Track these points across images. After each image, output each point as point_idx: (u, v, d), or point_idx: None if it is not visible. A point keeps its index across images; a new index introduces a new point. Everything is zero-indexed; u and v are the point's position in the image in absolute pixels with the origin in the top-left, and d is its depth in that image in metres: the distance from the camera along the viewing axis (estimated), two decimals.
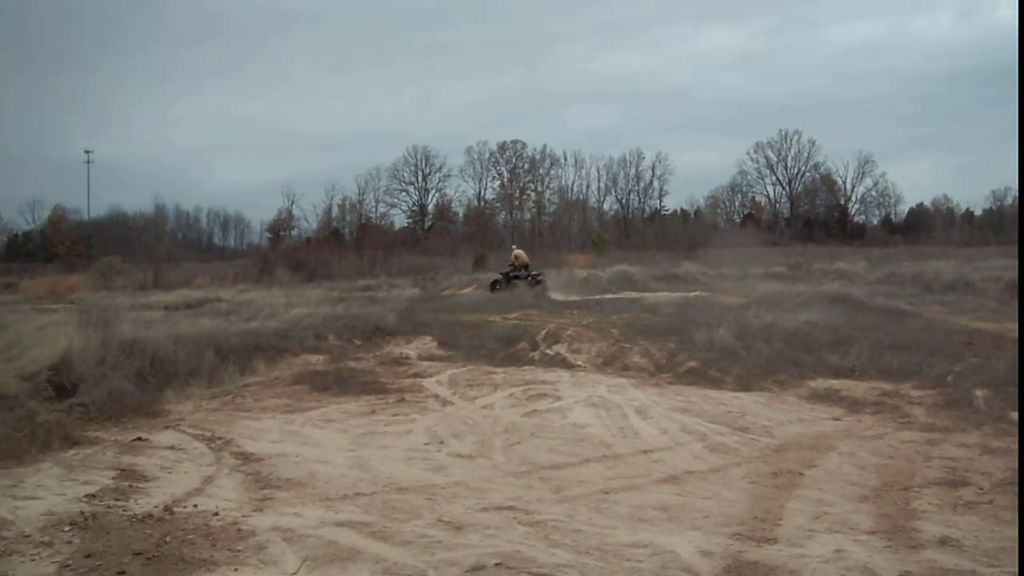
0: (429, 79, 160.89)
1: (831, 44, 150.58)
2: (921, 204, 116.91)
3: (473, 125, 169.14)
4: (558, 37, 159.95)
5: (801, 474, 10.53)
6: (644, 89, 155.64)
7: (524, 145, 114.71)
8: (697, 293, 37.47)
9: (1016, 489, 9.55)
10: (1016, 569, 7.12)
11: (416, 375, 18.00)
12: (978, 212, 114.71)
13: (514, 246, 46.81)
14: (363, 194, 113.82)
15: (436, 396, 15.86)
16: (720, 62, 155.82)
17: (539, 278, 40.87)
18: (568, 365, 19.14)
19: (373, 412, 14.53)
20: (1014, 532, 8.27)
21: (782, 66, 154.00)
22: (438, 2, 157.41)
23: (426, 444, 12.23)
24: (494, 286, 41.11)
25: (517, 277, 40.87)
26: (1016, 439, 12.10)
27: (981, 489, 9.83)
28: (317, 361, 19.31)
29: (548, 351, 20.45)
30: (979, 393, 15.16)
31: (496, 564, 7.20)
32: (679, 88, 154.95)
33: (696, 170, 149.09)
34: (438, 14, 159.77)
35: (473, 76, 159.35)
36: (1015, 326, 24.44)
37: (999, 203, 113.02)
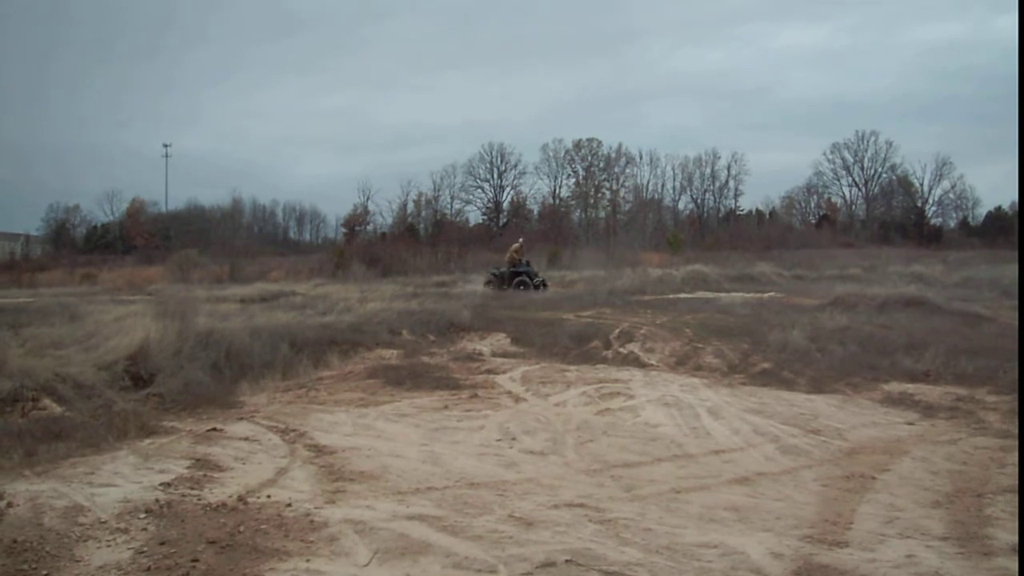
0: (507, 75, 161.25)
1: (912, 43, 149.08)
2: (999, 207, 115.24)
3: (550, 122, 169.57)
4: (637, 34, 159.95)
5: (873, 478, 10.44)
6: (721, 87, 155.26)
7: (599, 143, 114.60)
8: (771, 294, 37.26)
9: None
10: (1016, 570, 7.05)
11: (489, 371, 18.05)
12: None
13: (520, 239, 46.16)
14: (438, 190, 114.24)
15: (509, 392, 15.90)
16: (799, 61, 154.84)
17: (543, 282, 40.42)
18: (641, 364, 19.11)
19: (446, 407, 14.59)
20: None
21: (861, 65, 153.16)
22: None
23: (498, 440, 12.25)
24: (490, 282, 40.52)
25: (517, 275, 39.97)
26: None
27: None
28: (391, 356, 19.41)
29: (621, 350, 20.42)
30: None
31: (566, 561, 7.22)
32: (757, 87, 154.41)
33: (772, 170, 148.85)
34: (519, 9, 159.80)
35: (551, 72, 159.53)
36: None
37: None
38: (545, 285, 39.71)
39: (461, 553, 7.38)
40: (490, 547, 7.55)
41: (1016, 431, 13.13)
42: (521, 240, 44.01)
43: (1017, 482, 9.07)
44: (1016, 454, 11.64)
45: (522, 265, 40.27)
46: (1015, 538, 8.13)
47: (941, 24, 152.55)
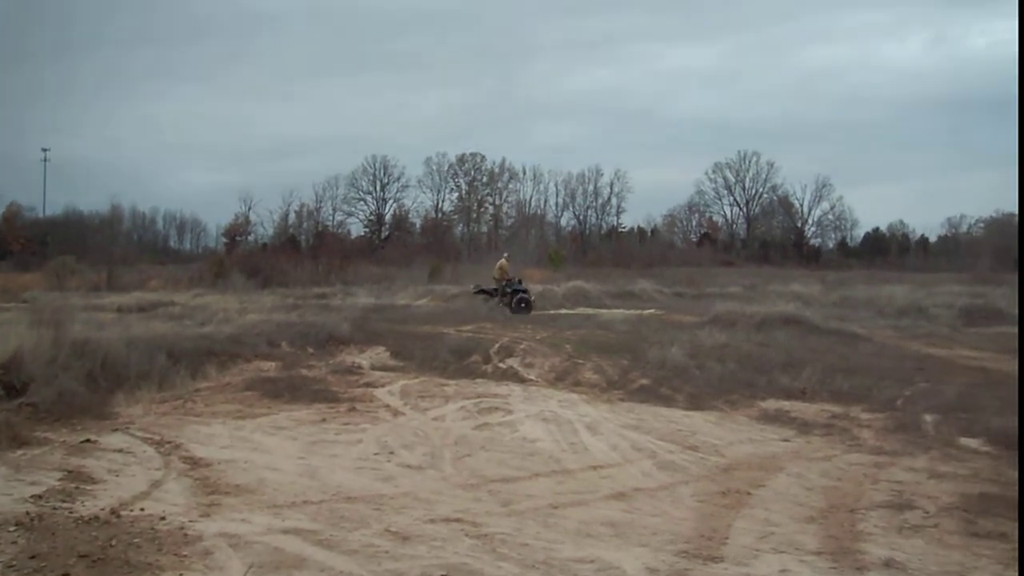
0: (394, 87, 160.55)
1: (798, 67, 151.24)
2: (877, 229, 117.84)
3: (436, 136, 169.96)
4: (526, 50, 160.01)
5: (749, 494, 10.59)
6: (608, 106, 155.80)
7: (483, 158, 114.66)
8: (652, 311, 37.53)
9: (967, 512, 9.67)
10: (1016, 570, 7.17)
11: (368, 385, 18.01)
12: (933, 239, 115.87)
13: (506, 255, 42.92)
14: (321, 202, 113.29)
15: (387, 406, 15.88)
16: (687, 82, 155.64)
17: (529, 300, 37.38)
18: (520, 379, 19.19)
19: (324, 420, 14.54)
20: (959, 556, 8.38)
21: (748, 88, 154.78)
22: (410, 11, 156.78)
23: (376, 454, 12.24)
24: (481, 292, 38.32)
25: (516, 292, 37.02)
26: (961, 463, 12.25)
27: (927, 513, 9.93)
28: (269, 368, 19.28)
29: (501, 364, 20.48)
30: (928, 418, 15.29)
31: None
32: (644, 106, 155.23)
33: (655, 188, 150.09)
34: (408, 23, 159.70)
35: (438, 87, 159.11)
36: (967, 352, 24.71)
37: (954, 230, 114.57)
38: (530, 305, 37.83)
39: (336, 568, 7.34)
40: (365, 562, 7.52)
41: (889, 448, 13.42)
42: (506, 255, 42.06)
43: (1017, 482, 9.22)
44: (890, 469, 11.89)
45: (515, 282, 38.08)
46: (887, 553, 8.30)
47: (828, 48, 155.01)
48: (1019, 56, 5.85)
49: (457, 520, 8.96)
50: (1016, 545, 7.03)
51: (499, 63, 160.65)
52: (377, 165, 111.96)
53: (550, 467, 11.77)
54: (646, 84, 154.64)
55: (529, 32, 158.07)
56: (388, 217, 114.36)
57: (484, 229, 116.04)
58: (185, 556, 7.63)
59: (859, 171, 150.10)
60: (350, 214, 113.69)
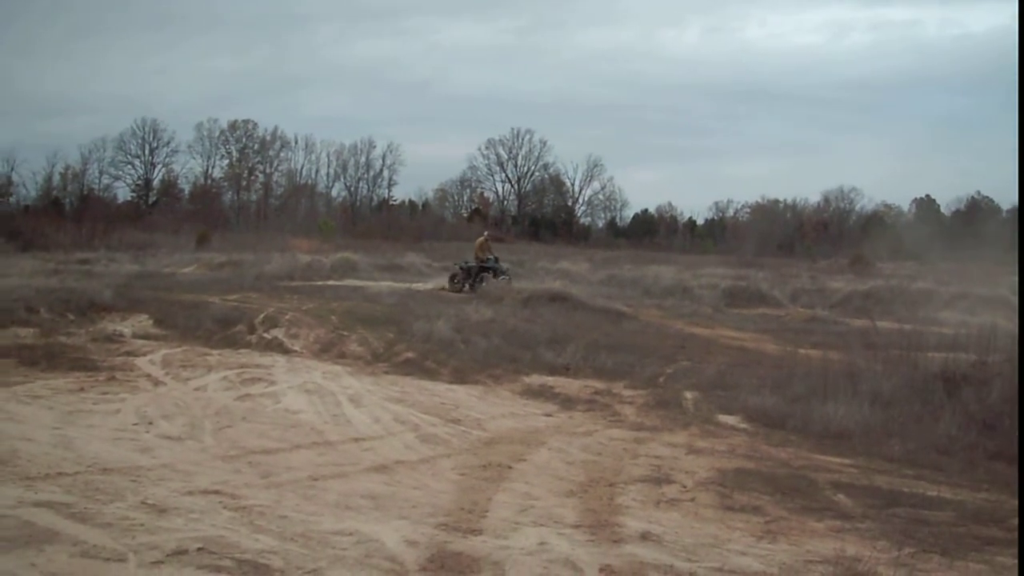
0: (166, 49, 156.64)
1: (579, 48, 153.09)
2: (646, 210, 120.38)
3: (207, 101, 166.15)
4: (303, 18, 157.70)
5: (510, 467, 10.72)
6: (385, 78, 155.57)
7: (255, 125, 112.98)
8: (420, 285, 37.63)
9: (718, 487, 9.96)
10: (1016, 570, 7.34)
11: (129, 353, 17.68)
12: (700, 221, 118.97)
13: (486, 232, 41.79)
14: (87, 164, 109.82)
15: (148, 376, 15.59)
16: (467, 57, 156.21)
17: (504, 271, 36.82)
18: (285, 350, 19.12)
19: (82, 390, 14.15)
20: (713, 529, 8.64)
21: (527, 66, 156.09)
22: None
23: (135, 424, 12.00)
24: (454, 279, 36.60)
25: (485, 270, 36.09)
26: (718, 438, 12.61)
27: (684, 487, 10.21)
28: (26, 335, 18.74)
29: (266, 335, 20.36)
30: (688, 395, 15.76)
31: (198, 549, 7.12)
32: (420, 79, 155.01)
33: (431, 163, 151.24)
34: None
35: (212, 51, 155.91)
36: (728, 332, 25.47)
37: (721, 213, 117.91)
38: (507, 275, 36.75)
39: (89, 541, 7.18)
40: (120, 535, 7.37)
41: (650, 424, 13.73)
42: (487, 233, 40.69)
43: (1017, 482, 9.42)
44: (649, 445, 12.16)
45: (490, 261, 36.70)
46: (644, 526, 8.50)
47: (609, 31, 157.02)
48: (1019, 54, 5.97)
49: (215, 492, 8.84)
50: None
51: (277, 30, 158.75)
52: (147, 128, 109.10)
53: (312, 439, 11.74)
54: (425, 58, 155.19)
55: (309, 0, 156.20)
56: (156, 182, 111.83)
57: (254, 198, 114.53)
58: None
59: (632, 153, 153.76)
60: (117, 178, 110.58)
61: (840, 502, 9.79)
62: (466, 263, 36.92)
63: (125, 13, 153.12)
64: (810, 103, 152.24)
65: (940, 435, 12.69)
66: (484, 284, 34.65)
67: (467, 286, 35.43)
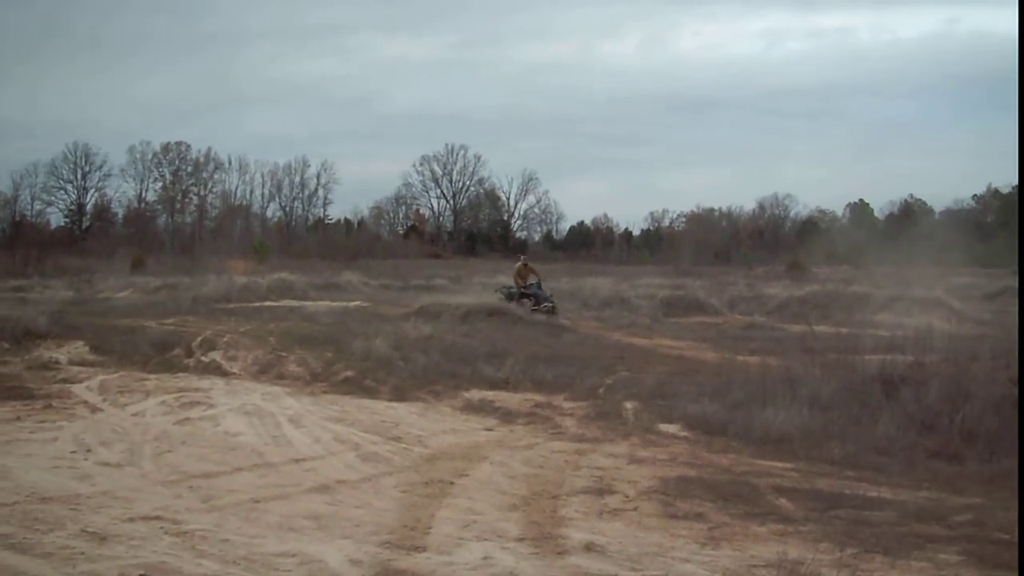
0: (100, 71, 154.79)
1: (517, 62, 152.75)
2: (582, 222, 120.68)
3: (145, 123, 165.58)
4: (240, 37, 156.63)
5: (452, 483, 10.70)
6: (323, 95, 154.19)
7: (188, 147, 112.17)
8: (357, 303, 37.51)
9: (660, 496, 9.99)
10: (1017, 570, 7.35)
11: (65, 380, 17.56)
12: (637, 232, 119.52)
13: (523, 256, 39.62)
14: (19, 190, 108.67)
15: (85, 402, 15.48)
16: (405, 73, 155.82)
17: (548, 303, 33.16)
18: (223, 373, 19.04)
19: (18, 419, 14.02)
20: (657, 537, 8.67)
21: (465, 81, 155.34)
22: None
23: (73, 452, 11.90)
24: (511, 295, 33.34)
25: (526, 297, 33.10)
26: (660, 448, 12.66)
27: (627, 497, 10.23)
28: None
29: (203, 358, 20.25)
30: (628, 405, 15.78)
31: None
32: (360, 97, 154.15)
33: (367, 180, 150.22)
34: (114, 4, 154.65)
35: (147, 72, 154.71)
36: (667, 341, 25.59)
37: (657, 224, 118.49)
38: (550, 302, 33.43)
39: (30, 572, 7.12)
40: (61, 564, 7.31)
41: (591, 435, 13.77)
42: (523, 257, 38.09)
43: (1017, 483, 9.44)
44: (592, 456, 12.18)
45: (532, 287, 33.80)
46: (588, 537, 8.51)
47: (546, 44, 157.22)
48: (1019, 55, 6.01)
49: (156, 518, 8.78)
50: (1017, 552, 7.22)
51: (209, 49, 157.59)
52: (79, 153, 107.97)
53: (252, 461, 11.69)
54: (363, 75, 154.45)
55: (245, 18, 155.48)
56: (90, 207, 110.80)
57: (189, 220, 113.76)
58: None
59: (571, 165, 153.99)
60: (50, 203, 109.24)
61: (782, 506, 9.85)
62: (508, 289, 34.33)
63: (60, 36, 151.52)
64: (746, 111, 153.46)
65: (879, 436, 12.81)
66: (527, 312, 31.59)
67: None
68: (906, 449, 12.39)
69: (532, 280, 34.06)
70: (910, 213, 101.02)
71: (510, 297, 33.06)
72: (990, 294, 43.93)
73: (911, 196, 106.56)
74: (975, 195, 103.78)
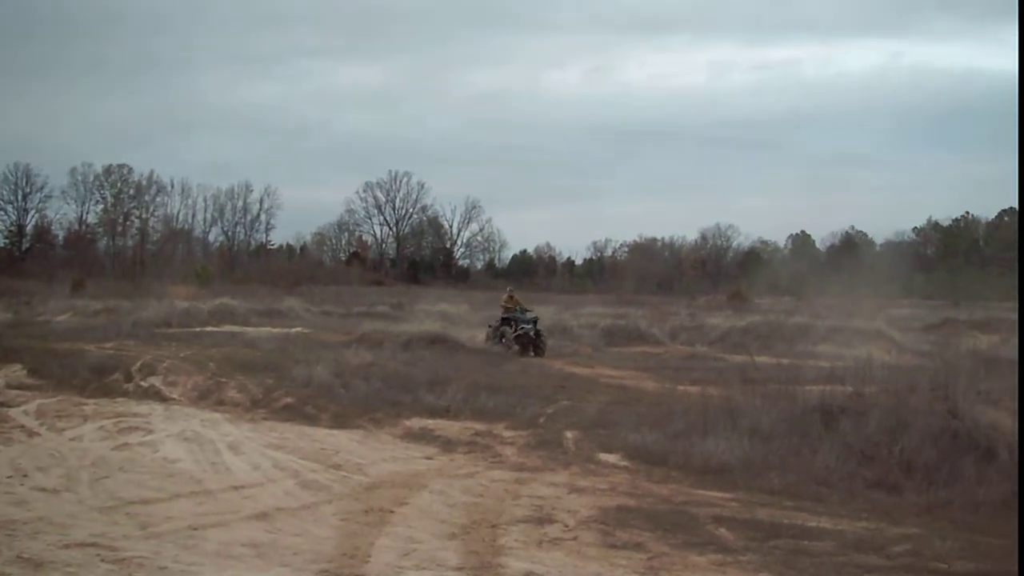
0: (43, 93, 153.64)
1: (463, 91, 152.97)
2: (524, 251, 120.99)
3: (89, 146, 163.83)
4: (188, 62, 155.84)
5: (392, 512, 10.66)
6: (272, 122, 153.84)
7: (131, 170, 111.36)
8: (299, 329, 37.51)
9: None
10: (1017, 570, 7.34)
11: (2, 404, 17.45)
12: (579, 261, 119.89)
13: (509, 288, 37.12)
14: None
15: (22, 427, 15.37)
16: (351, 100, 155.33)
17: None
18: (163, 398, 18.92)
19: None
20: (596, 567, 8.67)
21: (411, 109, 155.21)
22: (60, 13, 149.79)
23: (9, 477, 11.78)
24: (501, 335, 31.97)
25: (509, 323, 31.96)
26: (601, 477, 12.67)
27: (566, 526, 10.21)
28: None
29: (143, 383, 20.14)
30: (569, 434, 15.76)
31: None
32: (306, 124, 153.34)
33: (311, 206, 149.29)
34: (58, 22, 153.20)
35: (96, 97, 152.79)
36: (608, 371, 25.63)
37: (599, 253, 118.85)
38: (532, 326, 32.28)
39: None
40: None
41: (531, 464, 13.74)
42: (509, 289, 36.38)
43: (1017, 484, 9.40)
44: (531, 486, 12.18)
45: (517, 312, 32.57)
46: (528, 566, 8.51)
47: (492, 73, 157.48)
48: (1019, 58, 6.02)
49: (93, 544, 8.70)
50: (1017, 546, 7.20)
51: (157, 74, 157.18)
52: (19, 174, 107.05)
53: (191, 488, 11.59)
54: (310, 101, 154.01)
55: (191, 43, 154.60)
56: (30, 229, 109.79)
57: (130, 243, 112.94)
58: None
59: (515, 194, 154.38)
60: None
61: (721, 536, 9.87)
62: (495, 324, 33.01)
63: (1, 59, 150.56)
64: (691, 142, 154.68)
65: (819, 467, 12.86)
66: (505, 340, 31.02)
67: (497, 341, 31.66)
68: (845, 479, 12.46)
69: (518, 308, 33.09)
70: (851, 245, 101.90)
71: (498, 335, 31.90)
72: (930, 325, 44.44)
73: (852, 228, 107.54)
74: (915, 227, 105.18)
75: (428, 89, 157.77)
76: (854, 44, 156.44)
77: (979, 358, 17.71)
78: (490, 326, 33.13)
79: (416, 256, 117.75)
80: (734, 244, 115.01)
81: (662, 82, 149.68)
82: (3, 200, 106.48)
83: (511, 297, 34.16)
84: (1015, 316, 20.62)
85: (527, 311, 33.15)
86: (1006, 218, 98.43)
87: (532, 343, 31.52)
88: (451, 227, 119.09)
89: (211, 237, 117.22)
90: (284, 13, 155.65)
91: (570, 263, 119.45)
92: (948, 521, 10.57)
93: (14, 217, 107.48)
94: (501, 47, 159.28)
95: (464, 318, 43.54)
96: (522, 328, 31.49)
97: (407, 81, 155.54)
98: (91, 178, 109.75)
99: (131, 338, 28.75)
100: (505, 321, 32.16)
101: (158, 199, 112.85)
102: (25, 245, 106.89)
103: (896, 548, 9.39)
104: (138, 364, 21.85)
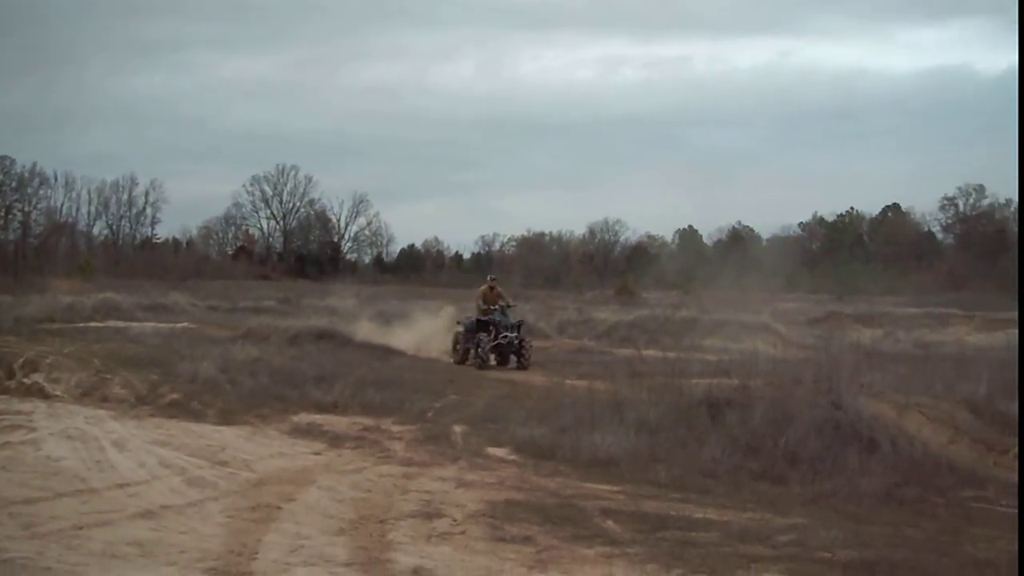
0: None
1: (354, 84, 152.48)
2: (412, 245, 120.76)
3: None
4: (71, 53, 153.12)
5: (279, 508, 10.62)
6: (156, 113, 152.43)
7: (13, 162, 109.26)
8: (185, 324, 37.12)
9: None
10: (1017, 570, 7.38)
11: None
12: (467, 255, 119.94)
13: (490, 277, 31.87)
14: None
15: None
16: (241, 93, 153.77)
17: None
18: (46, 395, 18.62)
19: None
20: (484, 560, 8.71)
21: (302, 102, 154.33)
22: None
23: None
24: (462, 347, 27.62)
25: (487, 328, 27.01)
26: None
27: (455, 521, 10.23)
28: None
29: (25, 380, 19.81)
30: (457, 429, 15.81)
31: None
32: (194, 115, 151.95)
33: (198, 200, 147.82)
34: None
35: None
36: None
37: (487, 247, 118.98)
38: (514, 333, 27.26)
39: None
40: None
41: (419, 459, 13.76)
42: (490, 278, 31.02)
43: (1017, 485, 9.40)
44: (418, 481, 12.19)
45: (496, 312, 27.40)
46: (416, 561, 8.53)
47: (384, 66, 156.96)
48: (1019, 55, 6.06)
49: None
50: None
51: (41, 64, 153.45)
52: None
53: (75, 486, 11.44)
54: (196, 93, 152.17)
55: (76, 32, 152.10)
56: None
57: (12, 237, 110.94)
58: None
59: (406, 188, 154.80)
60: None
61: (609, 528, 9.95)
62: (468, 320, 28.52)
63: None
64: (582, 137, 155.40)
65: (705, 459, 13.02)
66: (483, 350, 26.36)
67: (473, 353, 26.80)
68: (731, 471, 12.64)
69: (499, 306, 27.89)
70: (738, 239, 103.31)
71: (468, 335, 27.42)
72: (815, 319, 45.26)
73: (739, 223, 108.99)
74: (801, 223, 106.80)
75: (318, 83, 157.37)
76: (744, 42, 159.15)
77: (862, 351, 18.09)
78: (459, 330, 28.58)
79: (303, 250, 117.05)
80: (622, 239, 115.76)
81: (554, 76, 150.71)
82: None
83: (491, 289, 28.98)
84: (1015, 316, 20.95)
85: (510, 306, 28.44)
86: (889, 214, 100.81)
87: (515, 353, 26.91)
88: (339, 221, 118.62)
89: (96, 231, 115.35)
90: (171, 3, 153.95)
91: (458, 257, 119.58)
92: (832, 511, 10.79)
93: None
94: (391, 41, 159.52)
95: (352, 312, 43.37)
96: (504, 337, 26.74)
97: (296, 75, 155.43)
98: None
99: (13, 334, 28.21)
100: (481, 325, 27.27)
101: (41, 191, 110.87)
102: None
103: (781, 538, 9.53)
104: (20, 360, 21.43)
